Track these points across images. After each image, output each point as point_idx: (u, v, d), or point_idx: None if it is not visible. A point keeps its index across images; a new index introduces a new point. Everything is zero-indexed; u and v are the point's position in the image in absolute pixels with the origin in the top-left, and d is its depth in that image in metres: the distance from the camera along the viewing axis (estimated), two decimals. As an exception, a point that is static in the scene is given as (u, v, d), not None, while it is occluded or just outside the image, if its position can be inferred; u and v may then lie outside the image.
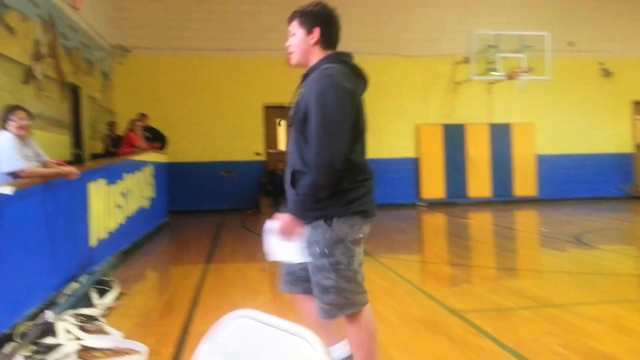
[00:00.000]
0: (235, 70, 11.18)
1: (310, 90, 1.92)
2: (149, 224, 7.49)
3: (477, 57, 11.41)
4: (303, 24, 2.03)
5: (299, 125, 1.95)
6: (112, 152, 8.23)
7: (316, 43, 2.03)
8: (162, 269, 5.90)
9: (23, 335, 3.10)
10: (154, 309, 4.07)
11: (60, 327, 3.14)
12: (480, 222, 9.78)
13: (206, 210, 10.73)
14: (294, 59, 2.08)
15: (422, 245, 7.66)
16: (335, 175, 1.87)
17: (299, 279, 2.12)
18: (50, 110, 7.09)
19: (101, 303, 3.86)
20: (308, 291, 2.07)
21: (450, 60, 11.87)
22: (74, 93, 8.35)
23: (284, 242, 1.99)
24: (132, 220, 6.35)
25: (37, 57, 6.73)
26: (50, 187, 3.86)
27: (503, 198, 12.03)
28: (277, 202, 10.64)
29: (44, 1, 6.97)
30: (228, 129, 11.15)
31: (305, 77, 2.04)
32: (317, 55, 2.04)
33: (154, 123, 9.29)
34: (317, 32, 2.01)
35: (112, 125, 9.11)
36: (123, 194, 6.02)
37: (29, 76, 6.47)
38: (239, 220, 9.67)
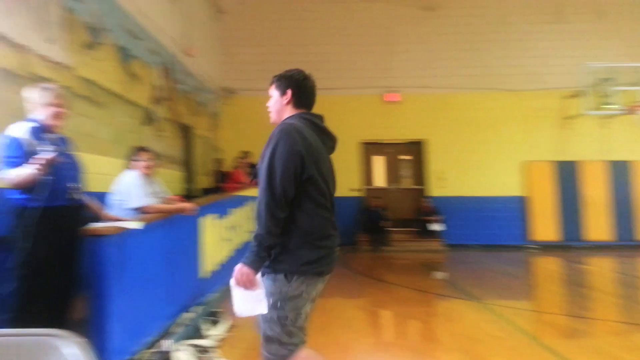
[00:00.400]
0: (333, 108, 11.27)
1: (267, 144, 2.09)
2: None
3: (590, 90, 10.64)
4: (278, 87, 2.25)
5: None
6: (220, 187, 8.67)
7: (288, 103, 2.22)
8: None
9: (143, 363, 3.26)
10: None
11: (176, 356, 3.25)
12: (601, 269, 8.86)
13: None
14: (272, 117, 2.29)
15: (535, 292, 7.06)
16: (275, 222, 2.01)
17: None
18: (167, 149, 7.67)
19: (213, 334, 3.97)
20: None
21: (557, 93, 11.19)
22: (187, 132, 9.00)
23: (246, 295, 2.05)
24: (238, 253, 6.57)
25: (156, 100, 7.37)
26: (170, 222, 4.10)
27: (626, 242, 10.86)
28: (374, 238, 10.50)
29: (164, 51, 7.66)
30: (349, 161, 11.29)
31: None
32: (288, 113, 2.23)
33: (255, 159, 9.66)
34: (289, 93, 2.22)
35: (219, 161, 9.64)
36: (230, 228, 6.26)
37: (149, 118, 7.08)
38: (335, 256, 9.63)
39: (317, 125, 2.24)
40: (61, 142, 3.01)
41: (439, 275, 8.11)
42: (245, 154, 8.99)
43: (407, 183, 11.77)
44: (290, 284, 2.06)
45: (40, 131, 2.85)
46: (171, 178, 7.67)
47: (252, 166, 9.38)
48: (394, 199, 11.61)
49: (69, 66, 4.76)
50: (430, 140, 11.37)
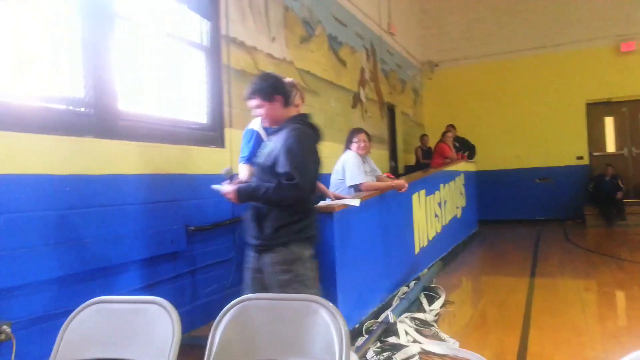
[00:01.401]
0: (552, 68, 10.28)
1: (283, 142, 2.37)
2: (461, 233, 7.54)
3: None
4: (264, 97, 2.46)
5: (268, 170, 2.37)
6: (423, 164, 8.66)
7: (280, 106, 2.48)
8: (482, 280, 5.80)
9: (368, 331, 3.47)
10: (482, 320, 4.00)
11: (400, 328, 3.38)
12: None
13: (519, 220, 10.14)
14: (268, 123, 2.54)
15: None
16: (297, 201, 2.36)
17: None
18: (372, 129, 7.94)
19: (431, 309, 4.01)
20: None
21: None
22: (390, 111, 9.17)
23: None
24: (447, 229, 6.50)
25: (362, 83, 7.65)
26: (384, 199, 4.25)
27: None
28: (605, 211, 9.23)
29: (367, 33, 7.89)
30: (543, 133, 10.33)
31: (273, 132, 2.53)
32: (283, 114, 2.50)
33: (461, 132, 9.36)
34: (278, 99, 2.48)
35: (422, 137, 9.61)
36: (439, 204, 6.21)
37: (356, 100, 7.40)
38: (559, 231, 8.79)
39: (311, 124, 2.53)
40: None
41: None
42: (451, 127, 8.76)
43: (645, 147, 10.00)
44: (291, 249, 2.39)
45: None
46: (378, 157, 7.93)
47: (458, 139, 9.10)
48: (630, 165, 9.99)
49: (289, 60, 5.27)
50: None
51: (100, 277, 2.82)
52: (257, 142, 2.99)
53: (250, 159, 2.93)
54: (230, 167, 2.50)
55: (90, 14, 2.94)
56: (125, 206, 3.00)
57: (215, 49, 4.12)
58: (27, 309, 2.41)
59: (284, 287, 2.34)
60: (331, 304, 1.41)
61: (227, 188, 2.38)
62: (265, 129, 2.89)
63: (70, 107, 2.84)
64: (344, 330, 1.34)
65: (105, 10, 3.05)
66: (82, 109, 2.91)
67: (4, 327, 2.25)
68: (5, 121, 2.40)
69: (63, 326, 1.54)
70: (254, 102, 2.49)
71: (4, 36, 2.51)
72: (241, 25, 4.44)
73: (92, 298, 1.58)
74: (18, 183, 2.41)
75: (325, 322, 1.39)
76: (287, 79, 3.35)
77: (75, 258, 2.67)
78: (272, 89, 2.49)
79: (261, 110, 2.50)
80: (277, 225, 2.37)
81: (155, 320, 1.47)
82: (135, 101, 3.33)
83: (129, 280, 3.00)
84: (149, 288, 3.12)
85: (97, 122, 2.94)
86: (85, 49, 2.93)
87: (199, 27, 4.01)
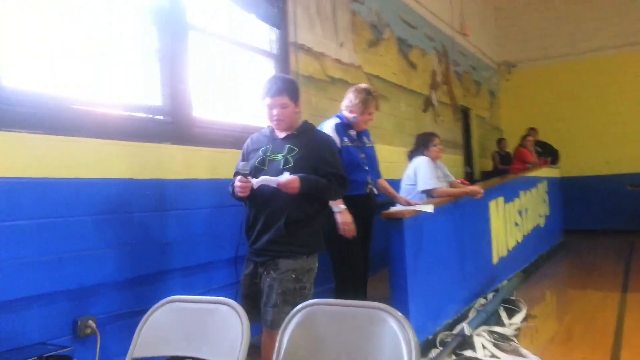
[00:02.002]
0: (640, 66, 9.48)
1: (318, 145, 2.43)
2: (544, 244, 7.07)
3: None
4: (292, 98, 2.38)
5: (303, 170, 2.29)
6: (501, 170, 8.26)
7: (299, 112, 2.45)
8: (567, 294, 5.40)
9: (442, 343, 3.32)
10: (567, 337, 3.69)
11: (477, 341, 3.20)
12: None
13: (609, 230, 9.36)
14: (283, 126, 2.41)
15: None
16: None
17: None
18: (445, 133, 7.69)
19: (511, 323, 3.77)
20: None
21: None
22: (465, 114, 8.85)
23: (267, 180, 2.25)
24: (528, 239, 6.12)
25: (434, 86, 7.44)
26: (458, 206, 4.07)
27: None
28: None
29: (438, 35, 7.68)
30: (634, 135, 9.53)
31: (288, 137, 2.43)
32: (297, 119, 2.46)
33: (542, 136, 8.85)
34: (299, 104, 2.44)
35: (500, 142, 9.18)
36: (519, 212, 5.87)
37: (427, 104, 7.21)
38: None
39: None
40: (362, 137, 3.28)
41: None
42: (532, 130, 8.31)
43: None
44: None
45: (345, 128, 3.16)
46: (452, 162, 7.66)
47: (539, 143, 8.61)
48: None
49: (357, 65, 5.23)
50: None
51: (176, 277, 2.91)
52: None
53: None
54: (245, 161, 2.43)
55: (165, 26, 3.07)
56: (198, 210, 3.08)
57: (283, 56, 4.16)
58: (110, 306, 2.53)
59: (285, 295, 2.27)
60: (400, 314, 1.33)
61: (288, 177, 2.23)
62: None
63: (150, 115, 2.97)
64: (414, 341, 1.26)
65: (180, 22, 3.17)
66: (161, 117, 3.03)
67: (90, 321, 2.37)
68: (91, 129, 2.54)
69: (140, 324, 1.59)
70: (281, 100, 2.35)
71: (89, 48, 2.68)
72: (309, 31, 4.46)
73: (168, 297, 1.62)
74: (105, 186, 2.55)
75: (394, 332, 1.32)
76: (362, 86, 3.31)
77: (154, 258, 2.78)
78: (298, 92, 2.43)
79: (284, 111, 2.36)
80: (309, 232, 2.36)
81: (225, 321, 1.48)
82: (207, 108, 3.43)
83: (197, 281, 3.07)
84: (213, 291, 3.16)
85: (173, 129, 3.05)
86: (162, 59, 3.06)
87: (267, 36, 4.08)
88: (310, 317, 1.43)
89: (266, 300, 2.31)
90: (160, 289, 2.78)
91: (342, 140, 3.05)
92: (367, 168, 3.14)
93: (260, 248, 2.35)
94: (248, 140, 2.57)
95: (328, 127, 3.07)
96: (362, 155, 3.15)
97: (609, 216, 9.55)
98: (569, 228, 8.58)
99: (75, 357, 2.16)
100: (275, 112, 2.37)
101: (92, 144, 2.52)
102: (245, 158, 2.49)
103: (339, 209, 2.84)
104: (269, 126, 2.52)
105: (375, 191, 3.20)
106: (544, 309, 4.53)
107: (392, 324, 1.32)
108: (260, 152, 2.43)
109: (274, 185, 2.25)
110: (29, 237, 2.19)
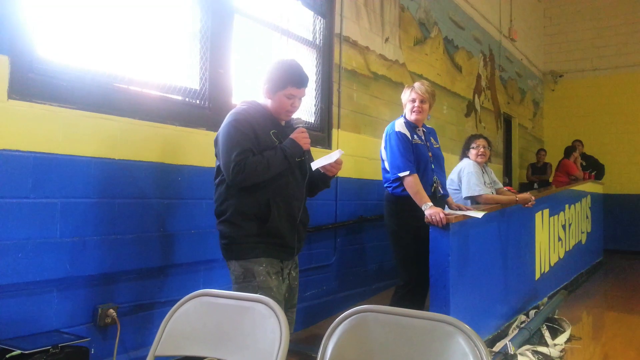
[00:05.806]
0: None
1: None
2: (584, 261, 6.67)
3: None
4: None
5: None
6: (531, 182, 7.99)
7: None
8: (610, 316, 5.03)
9: (482, 361, 3.06)
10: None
11: (521, 363, 2.94)
12: None
13: (652, 254, 8.85)
14: (289, 117, 2.30)
15: None
16: None
17: None
18: (486, 140, 7.38)
19: (555, 343, 3.48)
20: None
21: None
22: (507, 123, 8.50)
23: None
24: (570, 255, 5.76)
25: (478, 90, 7.14)
26: (504, 214, 3.80)
27: None
28: None
29: (486, 37, 7.37)
30: None
31: (286, 126, 2.28)
32: None
33: (586, 149, 8.43)
34: None
35: (539, 153, 8.80)
36: (563, 226, 5.53)
37: (470, 109, 6.92)
38: None
39: None
40: (430, 137, 3.21)
41: None
42: (578, 143, 7.92)
43: None
44: None
45: (413, 127, 3.07)
46: (492, 171, 7.35)
47: (584, 156, 8.21)
48: None
49: (401, 63, 5.01)
50: None
51: (203, 269, 2.75)
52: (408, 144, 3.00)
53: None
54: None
55: (211, 7, 2.92)
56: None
57: (327, 47, 3.98)
58: (132, 295, 2.38)
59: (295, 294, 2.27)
60: (470, 329, 1.12)
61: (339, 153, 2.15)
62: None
63: (186, 99, 2.83)
64: (490, 364, 1.05)
65: (226, 4, 3.02)
66: (198, 102, 2.89)
67: (111, 310, 2.23)
68: (125, 108, 2.41)
69: (166, 317, 1.41)
70: (305, 92, 2.25)
71: (130, 25, 2.55)
72: (355, 24, 4.27)
73: (196, 291, 1.44)
74: (135, 169, 2.41)
75: (462, 351, 1.11)
76: (420, 84, 3.14)
77: (181, 248, 2.63)
78: None
79: (299, 103, 2.26)
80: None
81: (262, 322, 1.29)
82: (245, 96, 3.27)
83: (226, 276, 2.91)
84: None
85: (210, 115, 2.90)
86: (203, 41, 2.92)
87: (312, 25, 3.90)
88: (361, 324, 1.23)
89: (291, 300, 2.24)
90: (184, 280, 2.63)
91: (412, 138, 3.02)
92: (433, 167, 3.10)
93: (297, 247, 2.24)
94: (249, 118, 2.14)
95: (399, 123, 3.05)
96: (430, 155, 3.12)
97: (653, 239, 9.02)
98: (609, 248, 8.11)
99: (92, 349, 2.01)
100: (297, 103, 2.24)
101: (125, 124, 2.39)
102: (255, 135, 2.13)
103: (427, 206, 2.84)
104: (260, 105, 2.24)
105: (441, 191, 3.13)
106: (586, 331, 4.21)
107: (461, 340, 1.12)
108: (271, 134, 2.17)
109: (329, 163, 2.16)
110: (52, 217, 2.06)
